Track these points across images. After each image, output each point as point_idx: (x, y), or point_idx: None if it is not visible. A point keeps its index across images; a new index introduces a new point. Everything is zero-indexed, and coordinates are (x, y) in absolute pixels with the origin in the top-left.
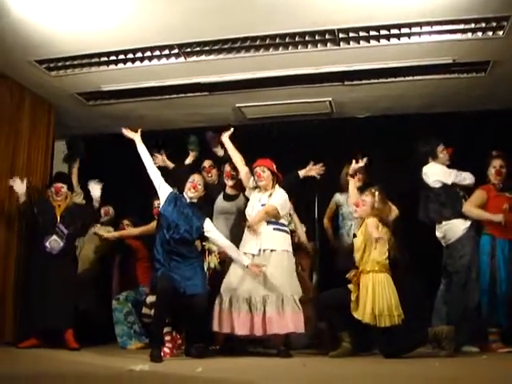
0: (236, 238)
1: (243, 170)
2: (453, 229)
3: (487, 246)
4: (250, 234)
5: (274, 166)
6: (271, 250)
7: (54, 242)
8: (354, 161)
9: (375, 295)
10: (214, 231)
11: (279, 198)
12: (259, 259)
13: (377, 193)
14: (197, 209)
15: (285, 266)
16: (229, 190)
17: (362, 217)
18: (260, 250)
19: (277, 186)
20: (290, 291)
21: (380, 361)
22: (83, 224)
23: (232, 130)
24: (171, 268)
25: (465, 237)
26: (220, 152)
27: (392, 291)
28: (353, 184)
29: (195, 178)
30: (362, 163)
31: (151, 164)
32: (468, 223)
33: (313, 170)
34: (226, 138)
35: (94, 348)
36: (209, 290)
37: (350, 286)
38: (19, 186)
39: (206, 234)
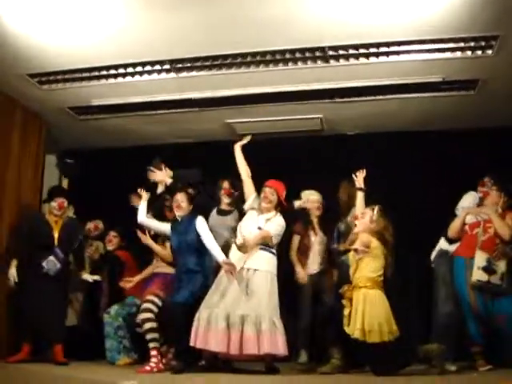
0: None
1: (247, 182)
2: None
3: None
4: (240, 252)
5: (284, 193)
6: (255, 270)
7: (51, 263)
8: (355, 175)
9: (365, 311)
10: (203, 229)
11: (276, 228)
12: (241, 276)
13: (377, 207)
14: (187, 217)
15: (267, 286)
16: (224, 206)
17: (361, 231)
18: (243, 268)
19: (278, 213)
20: (270, 312)
21: (370, 379)
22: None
23: (247, 139)
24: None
25: (436, 256)
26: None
27: (384, 308)
28: (361, 197)
29: (178, 198)
30: (363, 173)
31: (152, 222)
32: (441, 243)
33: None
34: (238, 147)
35: (83, 363)
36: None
37: (344, 302)
38: (11, 272)
39: (197, 229)
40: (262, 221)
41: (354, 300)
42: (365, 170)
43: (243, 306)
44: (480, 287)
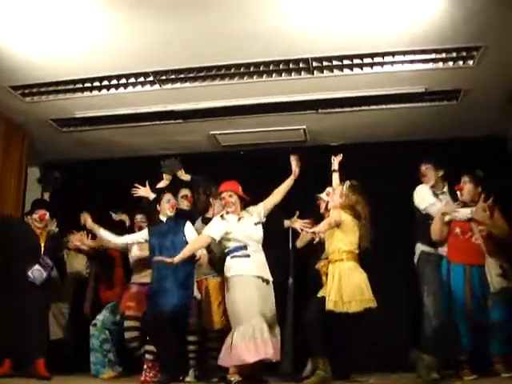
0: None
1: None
2: (416, 251)
3: (444, 270)
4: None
5: (240, 189)
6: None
7: (37, 272)
8: (334, 157)
9: (341, 282)
10: (192, 233)
11: None
12: (269, 287)
13: (348, 182)
14: (173, 219)
15: None
16: (209, 214)
17: (333, 206)
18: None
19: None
20: None
21: None
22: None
23: None
24: (164, 292)
25: (421, 260)
26: (184, 177)
27: (362, 277)
28: (336, 178)
29: (170, 198)
30: (340, 157)
31: (128, 238)
32: (424, 247)
33: None
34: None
35: (66, 377)
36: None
37: (320, 293)
38: None
39: (185, 232)
40: (254, 220)
41: (330, 273)
42: (341, 155)
43: (273, 314)
44: (502, 294)
